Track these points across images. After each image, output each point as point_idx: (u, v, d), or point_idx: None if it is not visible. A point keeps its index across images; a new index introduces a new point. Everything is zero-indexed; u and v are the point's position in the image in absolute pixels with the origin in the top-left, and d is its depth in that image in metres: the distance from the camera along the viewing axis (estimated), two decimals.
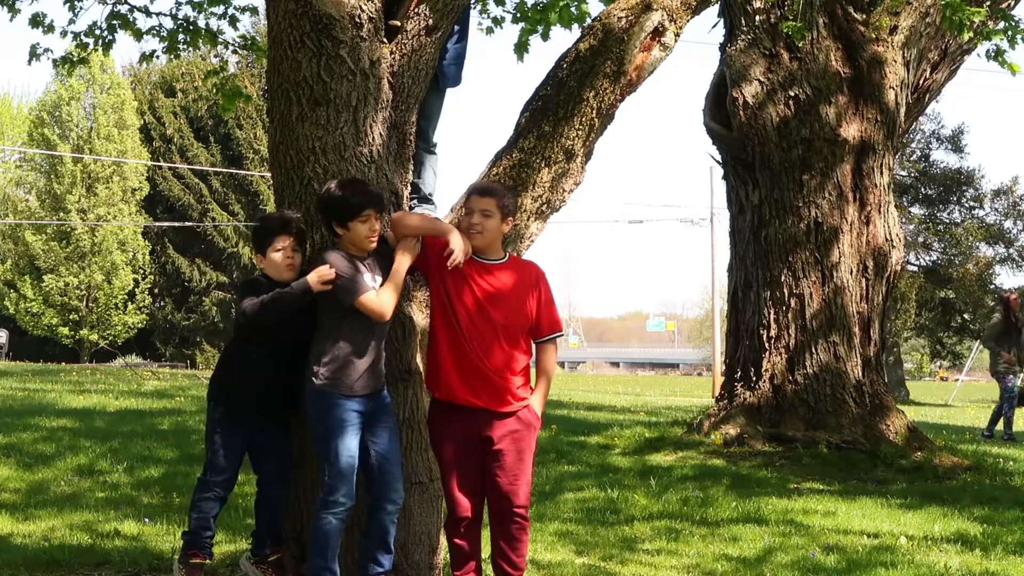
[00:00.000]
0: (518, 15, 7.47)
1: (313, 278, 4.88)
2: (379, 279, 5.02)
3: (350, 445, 4.89)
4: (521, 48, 8.43)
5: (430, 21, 5.39)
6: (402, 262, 5.04)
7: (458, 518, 5.14)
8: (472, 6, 6.21)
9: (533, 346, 5.30)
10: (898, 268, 12.17)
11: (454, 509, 5.14)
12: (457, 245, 5.02)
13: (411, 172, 5.61)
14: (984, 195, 38.89)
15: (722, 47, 12.36)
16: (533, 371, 5.33)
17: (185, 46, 8.91)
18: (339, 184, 4.99)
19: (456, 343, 5.08)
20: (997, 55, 7.58)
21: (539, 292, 5.21)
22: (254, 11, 9.35)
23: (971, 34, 7.13)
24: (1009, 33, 7.47)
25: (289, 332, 5.04)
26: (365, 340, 4.95)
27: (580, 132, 5.75)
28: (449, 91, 5.83)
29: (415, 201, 5.63)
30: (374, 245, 5.02)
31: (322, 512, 4.90)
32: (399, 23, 5.34)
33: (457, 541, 5.18)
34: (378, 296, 4.92)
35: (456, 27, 5.67)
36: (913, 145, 37.95)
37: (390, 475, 5.00)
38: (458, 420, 5.10)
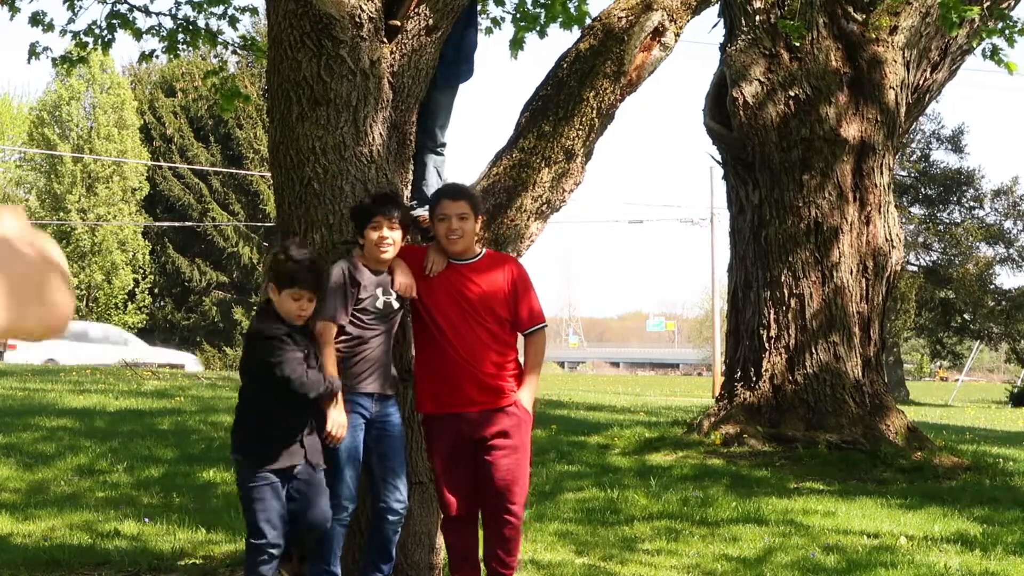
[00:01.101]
0: (518, 15, 7.49)
1: (336, 384, 4.78)
2: (392, 294, 4.98)
3: (349, 444, 4.86)
4: (516, 45, 8.43)
5: (430, 21, 5.39)
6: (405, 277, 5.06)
7: (452, 517, 5.13)
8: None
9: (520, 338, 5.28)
10: (898, 268, 12.17)
11: (447, 509, 5.13)
12: (437, 265, 5.08)
13: (411, 172, 5.60)
14: (984, 195, 38.91)
15: (722, 47, 12.36)
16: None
17: (185, 46, 8.92)
18: (369, 194, 5.03)
19: (440, 354, 5.05)
20: (994, 54, 7.59)
21: (517, 285, 5.18)
22: (254, 11, 9.37)
23: (964, 30, 7.15)
24: (1007, 32, 7.48)
25: None
26: (376, 339, 4.93)
27: (580, 132, 5.75)
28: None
29: (415, 203, 5.62)
30: (386, 255, 4.92)
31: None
32: (399, 23, 5.34)
33: (452, 540, 5.18)
34: (323, 340, 4.80)
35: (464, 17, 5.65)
36: (913, 145, 37.95)
37: (393, 481, 4.97)
38: (450, 425, 5.09)
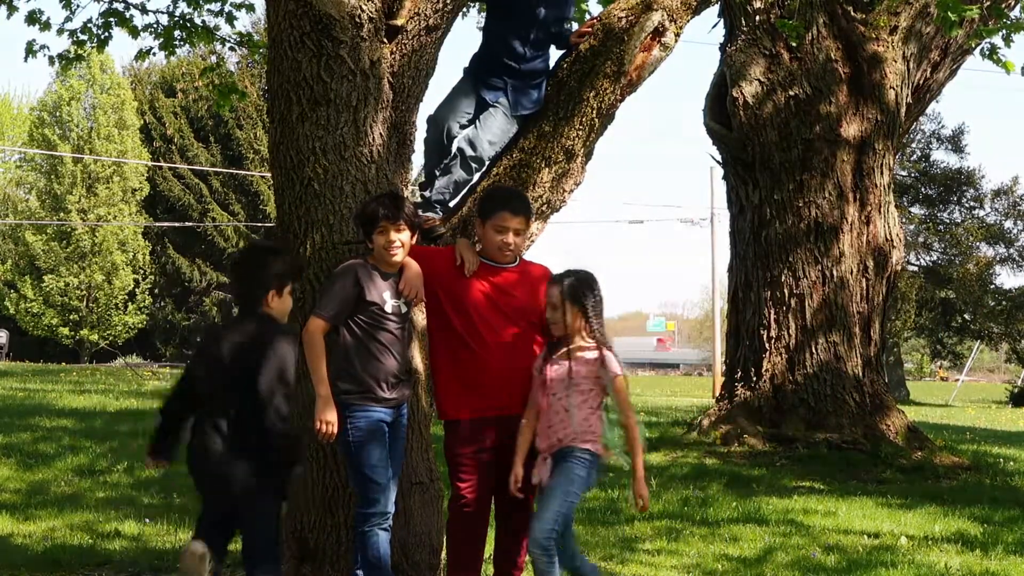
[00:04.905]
0: None
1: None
2: (402, 299, 4.94)
3: (381, 455, 4.83)
4: None
5: (430, 21, 5.39)
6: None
7: (462, 517, 5.08)
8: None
9: None
10: (898, 268, 12.18)
11: (459, 506, 5.09)
12: (473, 265, 5.05)
13: (412, 172, 5.59)
14: (984, 195, 38.90)
15: (722, 47, 12.36)
16: None
17: (181, 43, 8.92)
18: (374, 196, 4.99)
19: (470, 356, 5.01)
20: (991, 53, 7.59)
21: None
22: (250, 8, 9.35)
23: (963, 30, 7.14)
24: (1005, 32, 7.47)
25: None
26: (388, 342, 4.89)
27: (580, 132, 5.74)
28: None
29: (421, 197, 5.61)
30: (395, 258, 4.88)
31: (366, 527, 4.81)
32: (399, 23, 5.34)
33: (457, 542, 5.15)
34: (313, 336, 4.76)
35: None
36: (913, 145, 37.94)
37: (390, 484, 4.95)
38: (476, 428, 5.04)
